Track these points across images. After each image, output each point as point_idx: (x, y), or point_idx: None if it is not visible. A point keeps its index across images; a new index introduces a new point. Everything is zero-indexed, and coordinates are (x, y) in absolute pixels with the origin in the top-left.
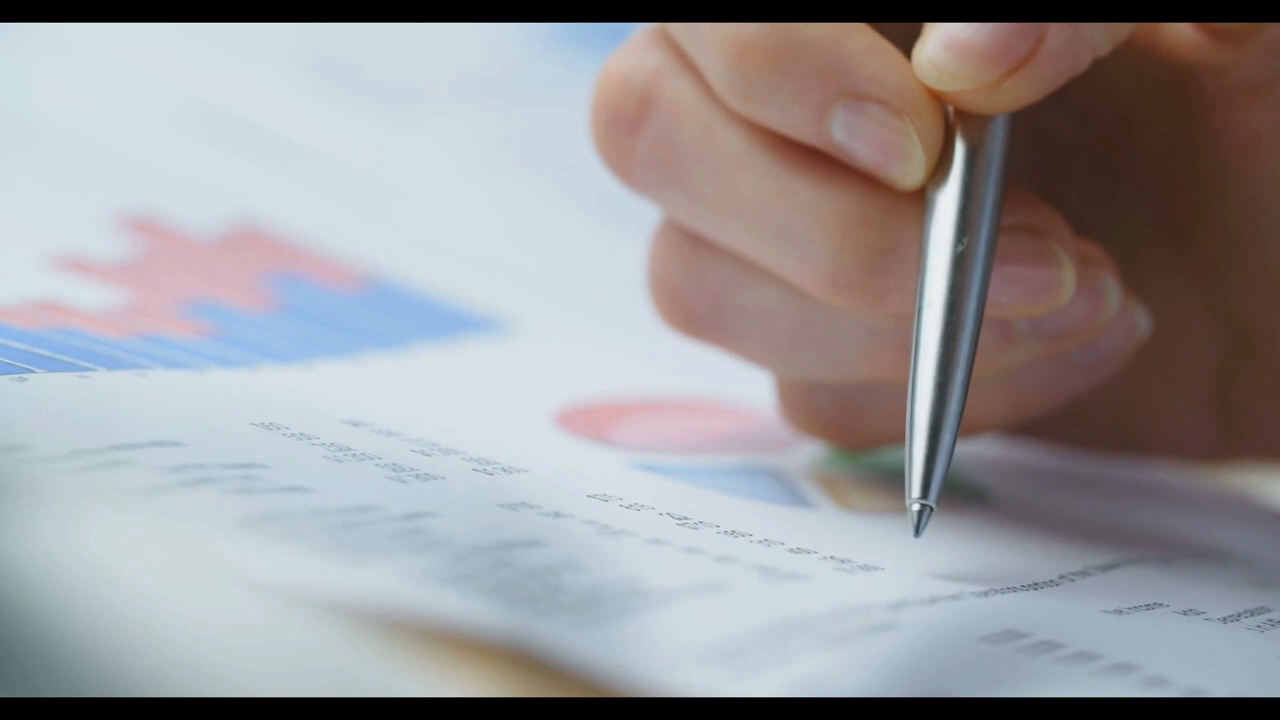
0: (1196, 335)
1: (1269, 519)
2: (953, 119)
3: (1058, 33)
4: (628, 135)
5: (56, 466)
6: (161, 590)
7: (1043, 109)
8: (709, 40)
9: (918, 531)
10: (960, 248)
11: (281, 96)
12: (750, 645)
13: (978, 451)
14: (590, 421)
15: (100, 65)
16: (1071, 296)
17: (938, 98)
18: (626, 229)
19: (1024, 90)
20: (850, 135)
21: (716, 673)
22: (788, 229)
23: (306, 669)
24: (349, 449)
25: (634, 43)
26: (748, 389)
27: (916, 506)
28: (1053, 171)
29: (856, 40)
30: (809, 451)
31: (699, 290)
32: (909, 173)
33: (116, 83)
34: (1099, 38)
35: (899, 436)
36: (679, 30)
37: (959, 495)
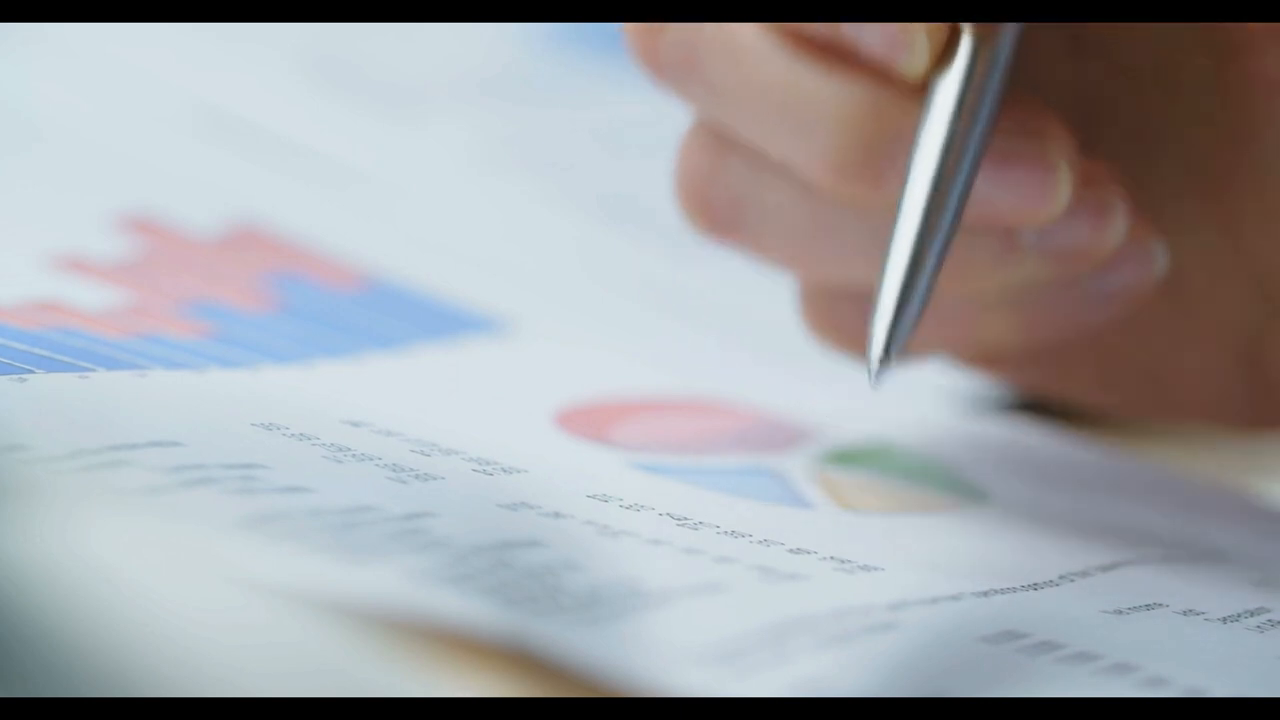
0: (1230, 295)
1: (1269, 518)
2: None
3: None
4: (652, 35)
5: (56, 466)
6: (161, 590)
7: (1077, 58)
8: None
9: (874, 382)
10: (951, 134)
11: (281, 96)
12: (750, 645)
13: (979, 451)
14: (590, 422)
15: (100, 65)
16: (1065, 203)
17: None
18: (626, 229)
19: None
20: (856, 24)
21: (716, 673)
22: (798, 117)
23: (306, 669)
24: (349, 449)
25: None
26: (748, 389)
27: (877, 365)
28: (1087, 123)
29: None
30: (809, 451)
31: (721, 188)
32: (913, 62)
33: (116, 83)
34: None
35: (919, 350)
36: None
37: (959, 495)
